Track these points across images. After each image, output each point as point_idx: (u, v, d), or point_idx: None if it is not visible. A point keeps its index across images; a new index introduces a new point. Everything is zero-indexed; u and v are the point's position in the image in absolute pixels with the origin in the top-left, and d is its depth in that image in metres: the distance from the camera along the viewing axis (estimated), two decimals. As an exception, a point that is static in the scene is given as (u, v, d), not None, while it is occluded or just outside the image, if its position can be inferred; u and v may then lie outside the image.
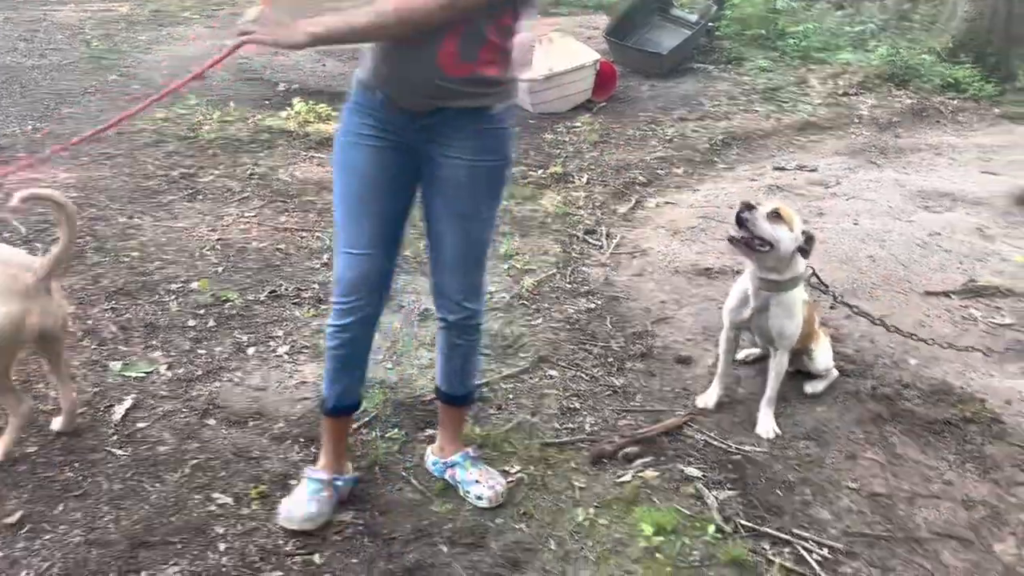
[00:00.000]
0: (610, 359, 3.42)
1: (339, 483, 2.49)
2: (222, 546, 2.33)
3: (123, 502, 2.45)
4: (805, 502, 2.63)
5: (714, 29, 8.62)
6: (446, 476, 2.65)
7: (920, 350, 3.43)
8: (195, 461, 2.65)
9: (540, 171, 5.62)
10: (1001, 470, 2.75)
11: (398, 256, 2.41)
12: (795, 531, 2.49)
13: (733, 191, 5.40)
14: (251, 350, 3.32)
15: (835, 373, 3.23)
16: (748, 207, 2.75)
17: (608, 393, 3.18)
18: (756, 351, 3.37)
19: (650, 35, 8.39)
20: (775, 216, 2.76)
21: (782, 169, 5.80)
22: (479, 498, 2.55)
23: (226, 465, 2.65)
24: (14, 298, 2.42)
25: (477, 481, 2.58)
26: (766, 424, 2.96)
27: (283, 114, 6.33)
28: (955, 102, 7.03)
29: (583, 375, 3.29)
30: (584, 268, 4.29)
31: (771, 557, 2.39)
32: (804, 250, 2.84)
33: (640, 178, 5.65)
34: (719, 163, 6.05)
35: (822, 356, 3.13)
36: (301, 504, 2.42)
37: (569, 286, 4.07)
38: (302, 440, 2.79)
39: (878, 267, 4.22)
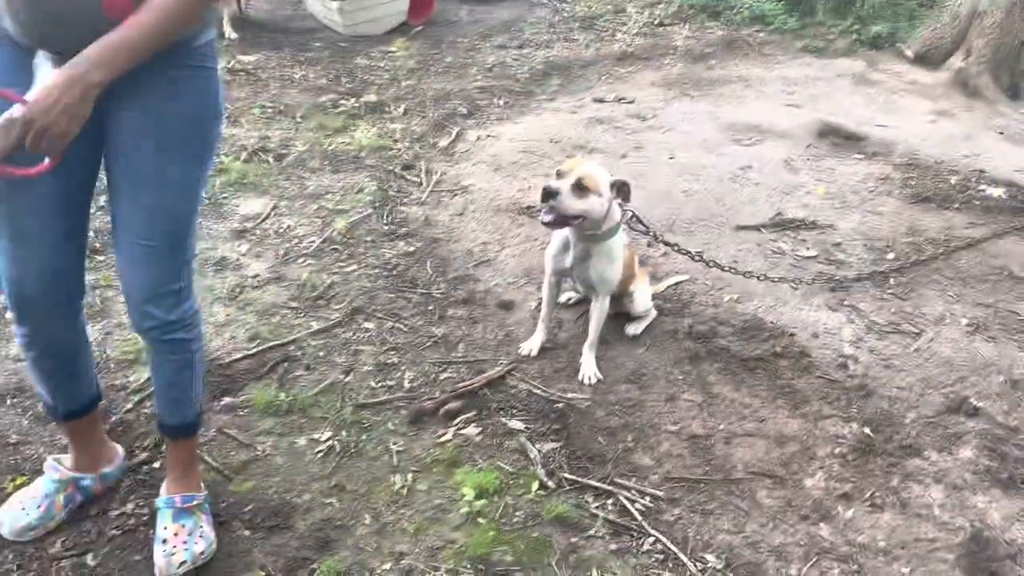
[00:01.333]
0: (431, 307, 3.23)
1: (86, 482, 2.13)
2: (-30, 556, 1.97)
3: None
4: (627, 449, 2.59)
5: (533, -48, 8.38)
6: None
7: (734, 286, 3.48)
8: (-65, 454, 2.23)
9: (353, 100, 5.24)
10: (809, 404, 2.83)
11: (82, 247, 1.91)
12: (618, 481, 2.44)
13: (554, 123, 5.28)
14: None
15: (654, 313, 3.21)
16: (550, 194, 2.59)
17: (429, 344, 3.00)
18: (577, 295, 3.29)
19: (468, -44, 8.03)
20: (580, 188, 2.61)
21: (601, 101, 5.73)
22: (156, 562, 1.99)
23: (-24, 456, 2.25)
24: None
25: (166, 540, 2.00)
26: (588, 369, 2.89)
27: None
28: (762, 35, 7.22)
29: (402, 326, 3.08)
30: (402, 208, 4.04)
31: (595, 511, 2.33)
32: (622, 197, 2.75)
33: (461, 109, 5.40)
34: (540, 94, 5.90)
35: (641, 297, 3.10)
36: (20, 509, 2.05)
37: (386, 228, 3.81)
38: (73, 419, 2.41)
39: (693, 201, 4.25)
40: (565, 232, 2.81)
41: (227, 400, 2.59)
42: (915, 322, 3.34)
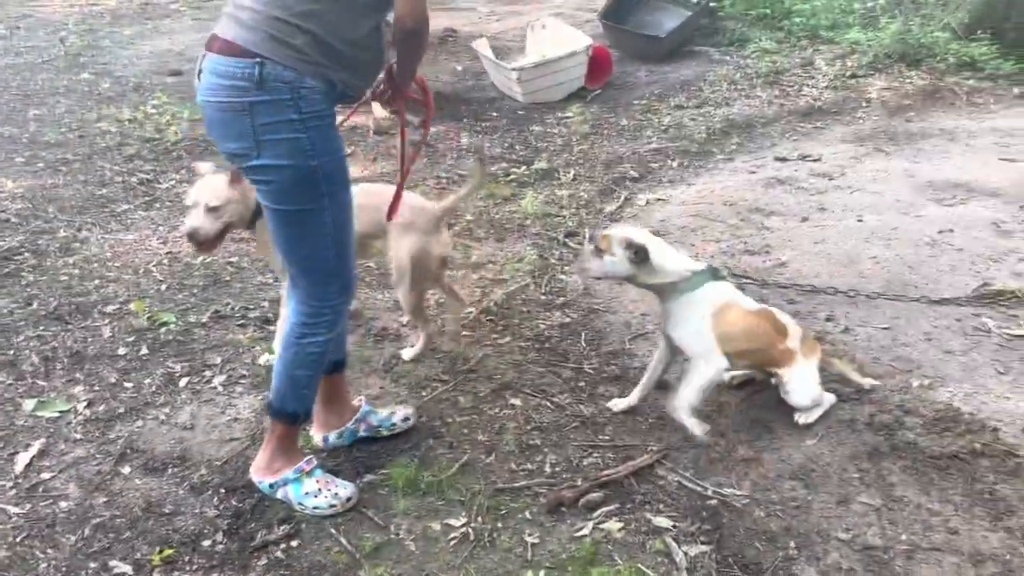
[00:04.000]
0: (581, 383, 3.10)
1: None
2: (112, 627, 2.05)
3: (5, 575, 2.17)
4: (788, 558, 2.30)
5: (716, 9, 8.21)
6: (361, 433, 2.72)
7: (924, 369, 3.08)
8: (98, 520, 2.37)
9: (524, 167, 5.28)
10: (1015, 515, 2.40)
11: None
12: (775, 597, 2.17)
13: (731, 185, 5.05)
14: (183, 381, 3.03)
15: (830, 399, 2.89)
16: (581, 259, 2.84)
17: (575, 425, 2.86)
18: (743, 372, 3.03)
19: (649, 17, 7.99)
20: (597, 250, 2.69)
21: (784, 160, 5.42)
22: (406, 419, 2.77)
23: (132, 524, 2.36)
24: (420, 233, 2.95)
25: (393, 412, 2.76)
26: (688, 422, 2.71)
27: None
28: (971, 82, 6.57)
29: (548, 403, 2.97)
30: (562, 276, 3.96)
31: (746, 631, 2.07)
32: (638, 258, 2.63)
33: (631, 172, 5.30)
34: (717, 154, 5.68)
35: (799, 387, 2.76)
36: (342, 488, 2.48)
37: (543, 298, 3.75)
38: (223, 491, 2.50)
39: (882, 270, 3.85)
40: None
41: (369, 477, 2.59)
42: None
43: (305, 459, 2.47)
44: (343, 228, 2.23)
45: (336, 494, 2.43)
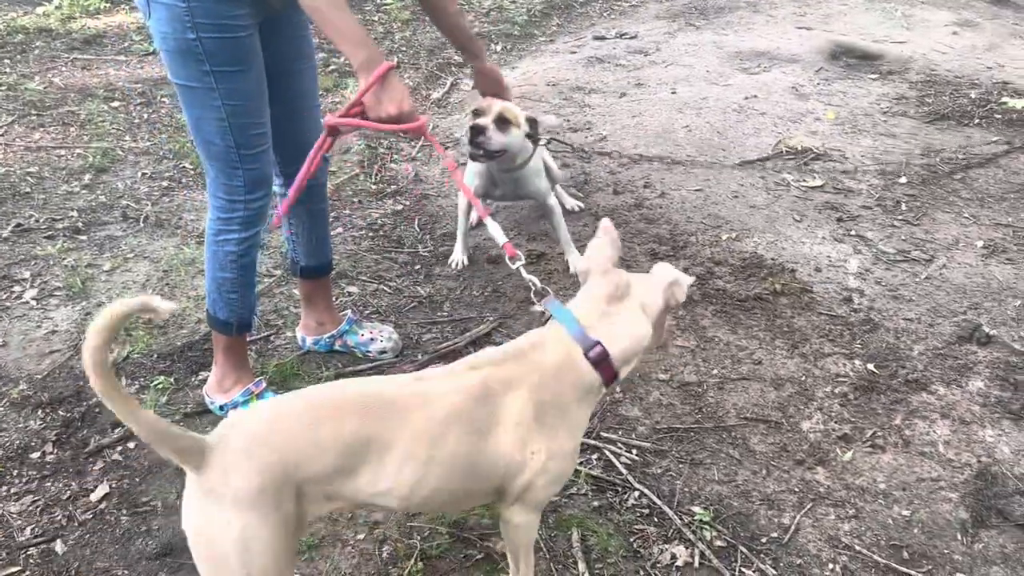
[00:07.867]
0: (417, 266, 3.15)
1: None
2: (-59, 548, 1.96)
3: None
4: (615, 401, 2.49)
5: None
6: (336, 347, 2.65)
7: (732, 223, 3.33)
8: (-92, 448, 2.22)
9: (344, 57, 5.10)
10: (809, 343, 2.70)
11: None
12: (603, 435, 2.35)
13: (552, 66, 5.11)
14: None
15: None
16: (479, 131, 2.72)
17: (413, 306, 2.92)
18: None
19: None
20: (502, 122, 2.75)
21: (602, 39, 5.53)
22: (383, 352, 2.63)
23: (-52, 447, 2.24)
24: None
25: (372, 339, 2.63)
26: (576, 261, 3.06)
27: (41, 10, 5.47)
28: (774, -44, 6.89)
29: (386, 288, 3.01)
30: (392, 165, 3.94)
31: (578, 467, 2.25)
32: (532, 136, 2.88)
33: (456, 58, 5.24)
34: (539, 36, 5.71)
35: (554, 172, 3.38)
36: None
37: (374, 187, 3.72)
38: (48, 404, 2.39)
39: (694, 137, 4.07)
40: (482, 168, 2.95)
41: (206, 374, 2.55)
42: (927, 248, 3.16)
43: (255, 381, 2.37)
44: (240, 115, 2.04)
45: None
